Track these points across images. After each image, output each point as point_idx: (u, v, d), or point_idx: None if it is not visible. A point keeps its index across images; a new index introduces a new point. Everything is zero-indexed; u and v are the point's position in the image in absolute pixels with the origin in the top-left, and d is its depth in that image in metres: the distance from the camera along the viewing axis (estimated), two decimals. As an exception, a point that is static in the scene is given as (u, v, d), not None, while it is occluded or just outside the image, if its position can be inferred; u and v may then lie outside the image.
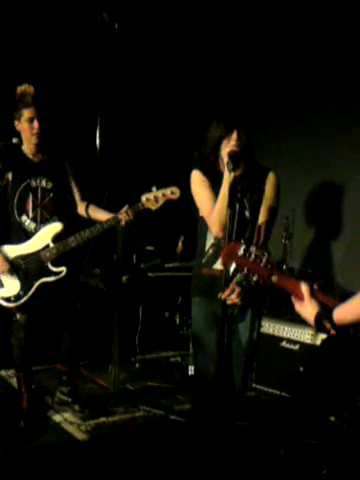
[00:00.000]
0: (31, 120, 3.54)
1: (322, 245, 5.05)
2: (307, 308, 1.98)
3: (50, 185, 3.67)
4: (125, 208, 3.57)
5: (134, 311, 5.02)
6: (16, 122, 3.60)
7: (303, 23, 5.02)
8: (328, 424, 3.75)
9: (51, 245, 3.58)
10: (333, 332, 1.93)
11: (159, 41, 5.27)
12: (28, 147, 3.64)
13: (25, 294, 3.57)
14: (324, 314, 1.94)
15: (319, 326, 1.95)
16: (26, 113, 3.53)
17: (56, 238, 3.59)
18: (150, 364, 5.01)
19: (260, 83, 5.53)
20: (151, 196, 3.52)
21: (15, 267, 3.57)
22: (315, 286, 2.02)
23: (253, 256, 2.00)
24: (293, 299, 2.01)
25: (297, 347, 4.23)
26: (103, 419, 3.83)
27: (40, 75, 4.45)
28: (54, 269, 3.61)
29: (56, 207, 3.70)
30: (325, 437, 3.55)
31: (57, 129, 3.94)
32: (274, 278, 2.00)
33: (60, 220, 3.66)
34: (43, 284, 3.60)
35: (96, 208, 3.80)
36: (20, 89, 3.55)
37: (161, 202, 3.52)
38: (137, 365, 4.95)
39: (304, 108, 5.20)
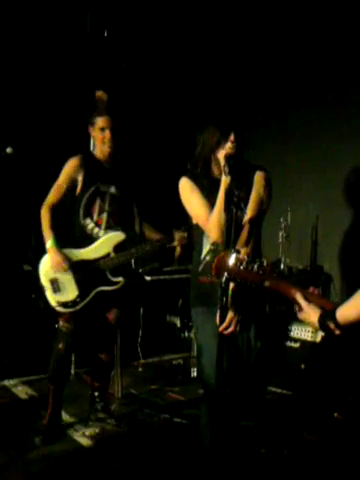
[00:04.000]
0: (102, 129, 3.52)
1: (320, 243, 5.06)
2: (308, 313, 1.99)
3: (118, 193, 3.62)
4: (179, 235, 3.56)
5: (135, 316, 5.03)
6: (90, 128, 3.58)
7: (298, 23, 5.04)
8: (331, 420, 3.77)
9: (112, 254, 3.55)
10: (338, 332, 1.92)
11: (149, 46, 5.29)
12: (101, 153, 3.60)
13: (82, 301, 3.51)
14: (327, 315, 1.94)
15: (324, 328, 1.95)
16: (99, 121, 3.52)
17: (117, 247, 3.57)
18: (153, 368, 5.03)
19: (257, 84, 5.56)
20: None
21: (75, 271, 3.51)
22: (316, 291, 2.02)
23: (244, 264, 1.98)
24: (295, 308, 2.01)
25: (298, 345, 4.25)
26: (108, 424, 3.84)
27: (32, 85, 4.49)
28: (112, 278, 3.58)
29: (121, 216, 3.65)
30: (328, 434, 3.57)
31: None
32: (267, 283, 1.99)
33: (123, 229, 3.62)
34: (98, 293, 3.56)
35: (149, 226, 3.75)
36: (96, 94, 3.55)
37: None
38: (140, 369, 4.97)
39: (296, 107, 5.22)
